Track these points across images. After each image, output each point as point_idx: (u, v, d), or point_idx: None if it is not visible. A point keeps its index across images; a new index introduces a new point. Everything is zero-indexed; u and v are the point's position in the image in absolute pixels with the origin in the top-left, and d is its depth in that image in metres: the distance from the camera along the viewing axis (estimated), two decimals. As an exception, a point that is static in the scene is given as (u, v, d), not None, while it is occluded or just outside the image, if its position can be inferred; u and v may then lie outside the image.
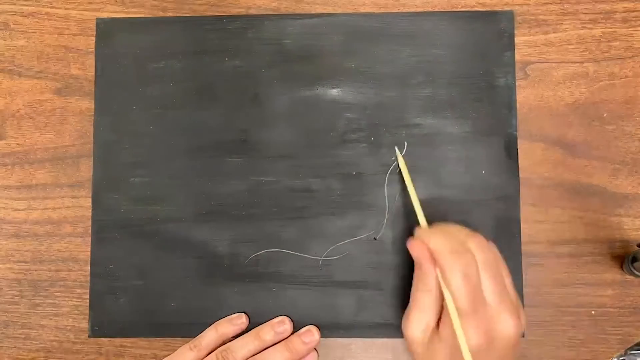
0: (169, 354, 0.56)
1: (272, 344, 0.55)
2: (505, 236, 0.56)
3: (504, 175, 0.57)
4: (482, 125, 0.57)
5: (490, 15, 0.58)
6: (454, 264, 0.46)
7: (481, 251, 0.48)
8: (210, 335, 0.55)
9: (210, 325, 0.56)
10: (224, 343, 0.55)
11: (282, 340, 0.55)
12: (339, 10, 0.59)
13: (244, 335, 0.56)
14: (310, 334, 0.56)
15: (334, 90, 0.58)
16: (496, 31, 0.58)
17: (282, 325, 0.56)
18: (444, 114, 0.57)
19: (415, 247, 0.49)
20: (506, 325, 0.46)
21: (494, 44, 0.58)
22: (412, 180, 0.55)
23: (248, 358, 0.54)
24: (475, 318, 0.45)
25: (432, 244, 0.48)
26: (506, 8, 0.58)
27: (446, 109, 0.57)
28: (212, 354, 0.54)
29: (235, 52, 0.58)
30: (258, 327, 0.56)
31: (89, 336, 0.57)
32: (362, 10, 0.59)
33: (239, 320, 0.56)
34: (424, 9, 0.59)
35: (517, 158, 0.57)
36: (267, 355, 0.54)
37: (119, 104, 0.59)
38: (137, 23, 0.59)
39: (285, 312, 0.57)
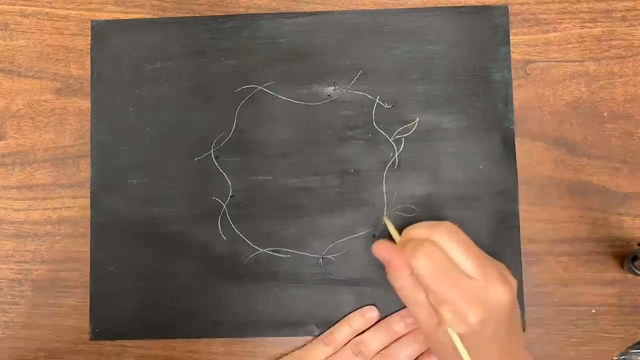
0: (169, 354, 0.57)
1: (402, 335, 0.55)
2: (504, 230, 0.56)
3: (502, 170, 0.57)
4: (479, 120, 0.57)
5: (484, 10, 0.58)
6: (414, 256, 0.45)
7: (447, 234, 0.47)
8: (343, 331, 0.56)
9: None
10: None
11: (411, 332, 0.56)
12: (338, 8, 0.59)
13: (375, 327, 0.56)
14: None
15: (330, 88, 0.58)
16: (491, 26, 0.58)
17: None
18: (441, 109, 0.57)
19: (379, 248, 0.49)
20: (497, 292, 0.45)
21: (490, 39, 0.58)
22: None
23: (380, 350, 0.55)
24: (463, 297, 0.45)
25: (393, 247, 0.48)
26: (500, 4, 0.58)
27: (443, 104, 0.57)
28: (346, 347, 0.55)
29: (231, 52, 0.59)
30: (387, 319, 0.56)
31: (90, 339, 0.57)
32: (360, 7, 0.59)
33: (372, 314, 0.56)
34: (417, 5, 0.59)
35: (515, 152, 0.57)
36: (398, 349, 0.55)
37: (115, 106, 0.59)
38: (132, 25, 0.59)
39: (285, 311, 0.57)
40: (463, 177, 0.57)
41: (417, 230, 0.48)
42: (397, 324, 0.55)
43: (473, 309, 0.44)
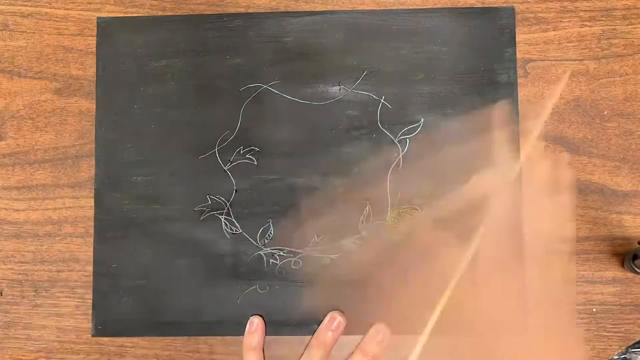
0: (170, 354, 0.57)
1: (334, 342, 0.54)
2: (507, 233, 0.56)
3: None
4: (484, 121, 0.57)
5: (491, 12, 0.58)
6: None
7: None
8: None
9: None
10: None
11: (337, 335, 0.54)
12: (337, 8, 0.59)
13: (306, 348, 0.54)
14: (378, 333, 0.54)
15: (335, 87, 0.58)
16: (497, 27, 0.58)
17: (333, 321, 0.54)
18: (446, 110, 0.57)
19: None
20: None
21: (495, 41, 0.58)
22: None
23: None
24: None
25: None
26: (507, 5, 0.58)
27: (448, 105, 0.57)
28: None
29: (236, 51, 0.59)
30: (315, 334, 0.54)
31: (92, 335, 0.57)
32: (360, 7, 0.59)
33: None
34: (424, 6, 0.59)
35: (520, 154, 0.57)
36: None
37: (120, 103, 0.59)
38: (138, 22, 0.59)
39: (288, 310, 0.57)
40: (467, 179, 0.57)
41: None
42: (325, 334, 0.54)
43: None
